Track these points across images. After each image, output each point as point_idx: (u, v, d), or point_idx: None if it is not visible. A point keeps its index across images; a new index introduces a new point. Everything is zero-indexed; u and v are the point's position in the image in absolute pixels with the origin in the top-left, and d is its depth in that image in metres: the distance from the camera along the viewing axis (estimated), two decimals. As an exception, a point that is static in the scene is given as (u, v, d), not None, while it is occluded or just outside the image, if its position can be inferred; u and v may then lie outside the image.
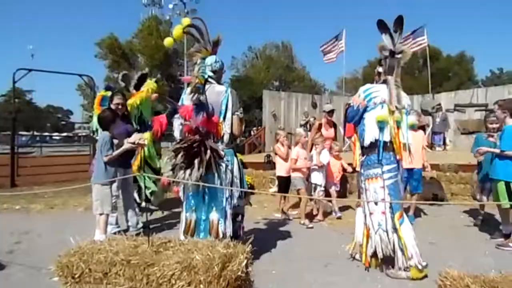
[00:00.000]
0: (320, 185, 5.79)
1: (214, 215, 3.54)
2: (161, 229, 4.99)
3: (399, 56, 3.57)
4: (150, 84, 5.89)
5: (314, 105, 15.56)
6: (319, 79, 48.59)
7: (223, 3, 73.18)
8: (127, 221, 4.88)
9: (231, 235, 3.45)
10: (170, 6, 32.39)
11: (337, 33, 17.74)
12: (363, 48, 73.28)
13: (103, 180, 4.16)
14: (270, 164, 8.59)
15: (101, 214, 4.22)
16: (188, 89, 3.59)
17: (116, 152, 4.25)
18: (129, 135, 4.52)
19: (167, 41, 4.43)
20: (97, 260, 2.34)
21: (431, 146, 12.75)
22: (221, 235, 3.41)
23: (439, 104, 14.18)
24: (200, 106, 3.51)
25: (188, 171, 3.39)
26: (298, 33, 75.53)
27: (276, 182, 7.79)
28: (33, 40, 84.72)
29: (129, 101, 5.35)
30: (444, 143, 13.11)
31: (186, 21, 3.93)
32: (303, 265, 3.75)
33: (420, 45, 16.76)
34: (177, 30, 3.90)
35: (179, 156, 3.42)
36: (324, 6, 77.22)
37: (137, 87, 5.81)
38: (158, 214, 6.09)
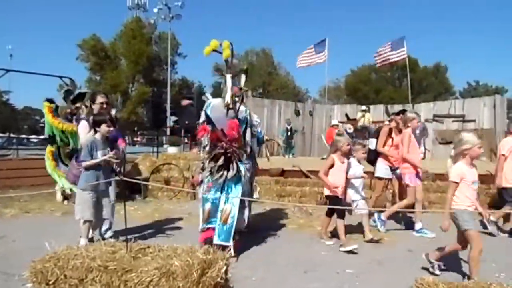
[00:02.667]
0: (361, 199, 5.01)
1: (228, 206, 4.27)
2: (141, 235, 4.91)
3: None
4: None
5: (297, 113, 15.71)
6: (302, 87, 49.03)
7: (207, 9, 73.48)
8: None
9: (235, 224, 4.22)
10: (155, 10, 32.19)
11: (319, 40, 17.96)
12: (346, 58, 74.73)
13: (83, 184, 4.09)
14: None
15: (84, 222, 4.11)
16: (222, 104, 4.37)
17: (90, 162, 4.09)
18: (115, 140, 4.51)
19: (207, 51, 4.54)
20: (73, 266, 2.30)
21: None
22: (229, 221, 4.19)
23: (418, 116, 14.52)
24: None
25: (225, 172, 4.25)
26: (281, 41, 76.43)
27: (258, 189, 7.83)
28: (12, 40, 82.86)
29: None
30: (423, 152, 13.38)
31: (225, 44, 4.41)
32: (283, 271, 3.76)
33: (400, 56, 17.18)
34: (226, 52, 4.41)
35: (221, 159, 4.23)
36: (307, 15, 78.38)
37: (74, 102, 6.75)
38: (141, 221, 6.00)
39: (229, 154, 4.26)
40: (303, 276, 3.66)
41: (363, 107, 14.68)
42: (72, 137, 6.25)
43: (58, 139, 6.59)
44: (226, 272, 2.47)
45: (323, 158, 12.82)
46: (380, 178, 5.75)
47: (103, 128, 4.21)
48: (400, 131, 5.62)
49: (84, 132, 4.51)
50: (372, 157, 5.74)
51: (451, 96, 40.33)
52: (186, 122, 11.04)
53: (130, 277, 2.24)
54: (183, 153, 9.91)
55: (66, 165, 7.33)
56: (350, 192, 4.94)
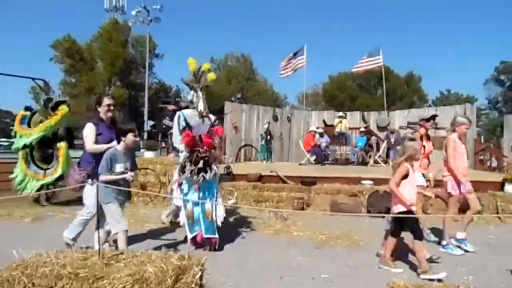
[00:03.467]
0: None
1: (208, 204, 4.71)
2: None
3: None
4: (64, 109, 7.53)
5: (276, 118, 15.79)
6: (280, 93, 49.42)
7: (186, 13, 73.21)
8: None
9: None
10: (133, 12, 31.76)
11: (298, 48, 18.15)
12: (324, 64, 75.85)
13: (104, 197, 3.79)
14: (229, 176, 8.57)
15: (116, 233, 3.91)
16: (194, 114, 5.01)
17: (108, 178, 3.82)
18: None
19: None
20: (42, 273, 2.23)
21: (385, 161, 13.29)
22: (213, 217, 4.70)
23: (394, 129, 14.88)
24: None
25: (205, 173, 4.67)
26: (259, 46, 76.92)
27: (236, 194, 7.82)
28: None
29: (46, 122, 7.26)
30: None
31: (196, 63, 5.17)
32: (259, 277, 3.76)
33: (375, 64, 17.58)
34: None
35: (200, 162, 4.63)
36: (286, 22, 79.27)
37: (53, 109, 7.46)
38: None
39: (207, 158, 4.71)
40: (279, 281, 3.66)
41: (340, 114, 14.89)
42: (60, 126, 7.22)
43: (22, 144, 7.25)
44: (201, 278, 2.45)
45: (300, 164, 12.94)
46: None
47: (130, 138, 3.92)
48: (428, 137, 5.36)
49: (91, 134, 4.24)
50: None
51: (425, 104, 41.55)
52: (164, 126, 10.90)
53: (102, 284, 2.19)
54: (160, 157, 9.77)
55: (40, 168, 7.44)
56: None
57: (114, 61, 35.33)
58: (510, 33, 66.00)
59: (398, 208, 3.99)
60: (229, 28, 78.66)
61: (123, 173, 3.91)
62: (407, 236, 5.15)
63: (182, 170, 4.73)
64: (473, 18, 71.60)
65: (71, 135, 7.87)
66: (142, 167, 8.83)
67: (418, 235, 3.91)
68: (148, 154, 9.68)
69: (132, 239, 5.01)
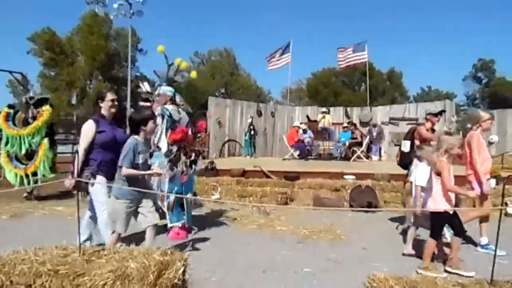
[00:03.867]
0: None
1: (190, 195, 4.88)
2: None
3: None
4: (48, 110, 7.41)
5: (259, 113, 15.81)
6: (264, 88, 49.45)
7: (169, 6, 72.28)
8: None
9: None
10: (115, 5, 31.05)
11: (283, 44, 18.16)
12: (308, 60, 76.16)
13: (119, 192, 3.54)
14: (213, 171, 8.55)
15: (112, 232, 3.63)
16: (175, 109, 4.90)
17: (132, 173, 3.54)
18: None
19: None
20: (20, 271, 2.18)
21: (367, 156, 13.49)
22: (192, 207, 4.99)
23: (376, 120, 15.12)
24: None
25: (192, 166, 4.91)
26: (243, 41, 76.65)
27: (220, 189, 7.81)
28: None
29: (34, 124, 7.17)
30: (380, 154, 13.90)
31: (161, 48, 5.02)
32: (242, 271, 3.77)
33: (360, 60, 17.73)
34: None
35: (193, 155, 4.89)
36: (270, 17, 79.16)
37: (36, 107, 7.43)
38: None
39: (195, 151, 5.00)
40: (262, 276, 3.69)
41: (323, 109, 15.00)
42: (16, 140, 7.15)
43: (5, 140, 7.22)
44: (183, 273, 2.44)
45: (284, 159, 13.00)
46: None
47: (150, 125, 3.62)
48: (433, 132, 5.08)
49: (90, 131, 3.93)
50: (407, 160, 5.09)
51: (406, 100, 42.26)
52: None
53: (83, 280, 2.16)
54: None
55: (21, 163, 7.33)
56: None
57: (95, 55, 34.64)
58: (487, 32, 67.65)
59: (438, 205, 3.70)
60: (212, 23, 78.00)
61: (143, 164, 3.62)
62: (389, 229, 5.25)
63: (174, 164, 4.67)
64: (452, 16, 72.96)
65: (52, 131, 7.70)
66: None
67: (461, 233, 3.79)
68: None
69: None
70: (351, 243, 4.86)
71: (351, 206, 7.08)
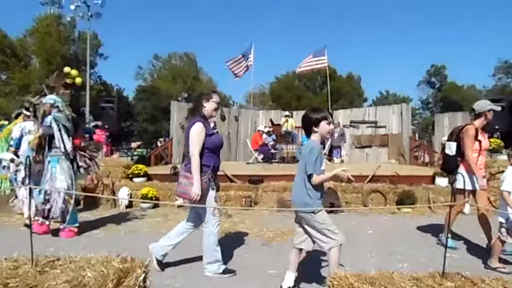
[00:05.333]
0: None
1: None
2: (54, 248, 4.53)
3: None
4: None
5: (223, 118, 15.76)
6: (228, 92, 49.52)
7: (129, 9, 70.78)
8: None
9: None
10: (72, 7, 29.98)
11: (245, 48, 18.22)
12: (271, 64, 76.99)
13: (319, 204, 3.13)
14: (176, 176, 8.40)
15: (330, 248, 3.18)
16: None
17: (325, 177, 3.17)
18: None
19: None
20: (-34, 285, 2.04)
21: (329, 159, 13.79)
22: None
23: (337, 123, 15.51)
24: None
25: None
26: (205, 45, 76.43)
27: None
28: None
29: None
30: (341, 156, 14.26)
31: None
32: (205, 277, 3.73)
33: (321, 64, 18.14)
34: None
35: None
36: (233, 21, 79.44)
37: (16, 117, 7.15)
38: (53, 233, 5.53)
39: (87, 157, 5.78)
40: (226, 280, 3.67)
41: (287, 113, 15.20)
42: None
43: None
44: (144, 280, 2.38)
45: (248, 163, 13.03)
46: (473, 191, 4.47)
47: (325, 127, 3.16)
48: (483, 132, 4.66)
49: (202, 134, 3.58)
50: (453, 165, 4.63)
51: (365, 103, 43.74)
52: (106, 126, 10.46)
53: (36, 293, 2.05)
54: (102, 158, 9.35)
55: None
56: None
57: (51, 58, 33.17)
58: (439, 39, 71.41)
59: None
60: (173, 26, 77.18)
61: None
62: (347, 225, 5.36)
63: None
64: (408, 23, 76.39)
65: None
66: (83, 169, 8.42)
67: None
68: (89, 156, 9.23)
69: (71, 245, 4.77)
70: (315, 244, 4.92)
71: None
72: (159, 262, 3.88)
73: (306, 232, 3.24)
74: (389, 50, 76.53)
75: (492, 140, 8.30)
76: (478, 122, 4.55)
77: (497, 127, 8.56)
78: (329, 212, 6.86)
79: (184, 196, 3.66)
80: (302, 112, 16.24)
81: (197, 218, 3.89)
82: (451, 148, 4.59)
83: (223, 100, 43.66)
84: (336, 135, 14.21)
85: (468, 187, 4.41)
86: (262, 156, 13.16)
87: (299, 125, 15.08)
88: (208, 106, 3.71)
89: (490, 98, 9.76)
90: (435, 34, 72.66)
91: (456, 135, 4.64)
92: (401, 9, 75.05)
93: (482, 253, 4.50)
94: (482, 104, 4.63)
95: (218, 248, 3.74)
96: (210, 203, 3.64)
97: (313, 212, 3.10)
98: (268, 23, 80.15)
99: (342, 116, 16.20)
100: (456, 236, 5.14)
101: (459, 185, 4.39)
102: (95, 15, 29.55)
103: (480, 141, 4.46)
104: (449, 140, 4.77)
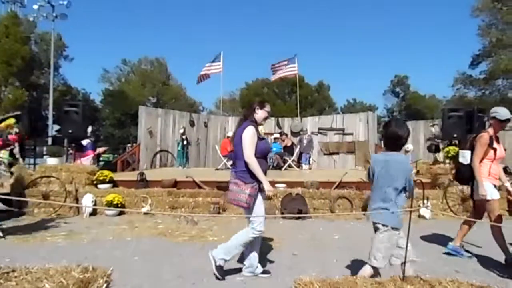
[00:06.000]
0: None
1: None
2: (10, 259, 4.31)
3: None
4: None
5: (192, 123, 15.64)
6: (198, 98, 49.22)
7: (95, 11, 69.17)
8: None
9: None
10: (35, 6, 28.90)
11: (215, 55, 18.21)
12: (241, 71, 77.27)
13: (396, 221, 2.94)
14: (143, 183, 8.25)
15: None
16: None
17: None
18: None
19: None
20: None
21: (298, 165, 13.96)
22: None
23: (306, 130, 15.75)
24: None
25: None
26: (174, 51, 75.77)
27: (150, 201, 7.55)
28: None
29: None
30: (309, 163, 14.47)
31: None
32: (172, 285, 3.67)
33: (291, 72, 18.41)
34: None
35: None
36: (202, 28, 79.33)
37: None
38: (11, 243, 5.27)
39: None
40: (192, 287, 3.62)
41: (256, 120, 15.25)
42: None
43: None
44: (106, 290, 2.31)
45: (217, 169, 12.96)
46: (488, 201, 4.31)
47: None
48: (498, 140, 4.43)
49: (253, 139, 3.64)
50: (467, 173, 4.44)
51: (333, 111, 44.65)
52: (70, 131, 10.10)
53: (-12, 307, 1.95)
54: (65, 164, 9.02)
55: None
56: None
57: (10, 59, 31.75)
58: (402, 50, 74.11)
59: None
60: (143, 31, 76.05)
61: None
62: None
63: None
64: (375, 33, 78.93)
65: None
66: (45, 175, 8.10)
67: None
68: (51, 161, 8.89)
69: (29, 255, 4.56)
70: (282, 250, 4.97)
71: (282, 213, 7.26)
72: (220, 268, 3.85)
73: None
74: (357, 60, 78.77)
75: (451, 147, 8.69)
76: (492, 129, 4.39)
77: (455, 135, 8.96)
78: (296, 218, 7.01)
79: (236, 203, 3.70)
80: (271, 119, 16.38)
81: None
82: (465, 157, 4.44)
83: (192, 105, 43.39)
84: (304, 142, 14.43)
85: (488, 196, 4.24)
86: (231, 162, 13.11)
87: (269, 132, 15.23)
88: (260, 114, 3.87)
89: (450, 108, 10.27)
90: (399, 44, 75.47)
91: (470, 143, 4.48)
92: (367, 18, 77.54)
93: (442, 257, 4.69)
94: (505, 112, 4.35)
95: (242, 249, 3.82)
96: (259, 206, 3.69)
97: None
98: (239, 30, 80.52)
99: (310, 123, 16.46)
100: (417, 240, 5.33)
101: (477, 196, 4.29)
102: (60, 16, 28.62)
103: (495, 149, 4.31)
104: (463, 148, 4.64)
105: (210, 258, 3.82)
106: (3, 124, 8.39)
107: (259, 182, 3.66)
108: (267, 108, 3.91)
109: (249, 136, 3.64)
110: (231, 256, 3.83)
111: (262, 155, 3.73)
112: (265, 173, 3.75)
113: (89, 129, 11.70)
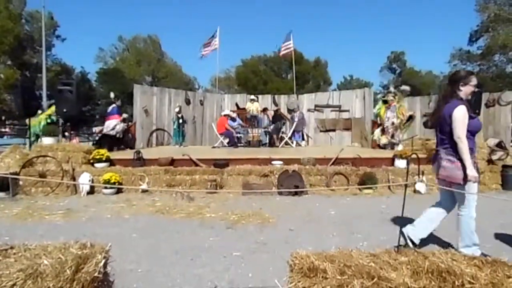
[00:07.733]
0: None
1: None
2: (9, 237, 4.34)
3: None
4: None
5: (188, 102, 15.54)
6: (193, 76, 48.68)
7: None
8: None
9: None
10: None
11: (212, 32, 17.97)
12: (237, 48, 76.20)
13: None
14: (140, 161, 8.25)
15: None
16: None
17: None
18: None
19: None
20: None
21: (292, 142, 13.98)
22: None
23: (297, 107, 15.67)
24: None
25: None
26: (170, 28, 74.43)
27: (147, 179, 7.57)
28: None
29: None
30: (303, 139, 14.48)
31: None
32: (170, 261, 3.72)
33: (288, 49, 18.19)
34: None
35: None
36: (197, 5, 77.67)
37: None
38: (10, 221, 5.30)
39: None
40: (190, 263, 3.67)
41: (252, 97, 15.19)
42: None
43: None
44: (105, 265, 2.33)
45: (213, 147, 12.97)
46: None
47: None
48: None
49: (465, 119, 3.50)
50: None
51: (330, 88, 44.42)
52: (65, 110, 10.03)
53: (-13, 283, 1.97)
54: (61, 143, 8.97)
55: None
56: None
57: (2, 37, 31.11)
58: (399, 27, 73.16)
59: None
60: (137, 8, 74.39)
61: None
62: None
63: None
64: (372, 9, 77.65)
65: None
66: (41, 155, 8.07)
67: None
68: (47, 140, 8.85)
69: (28, 233, 4.60)
70: (279, 226, 5.03)
71: (279, 189, 7.31)
72: (415, 245, 3.87)
73: None
74: (354, 36, 77.74)
75: None
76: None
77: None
78: (293, 194, 7.06)
79: (450, 180, 3.59)
80: (268, 96, 16.40)
81: (450, 202, 3.82)
82: None
83: (188, 83, 42.94)
84: (296, 119, 14.37)
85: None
86: (227, 140, 13.13)
87: (264, 109, 15.17)
88: (465, 90, 3.62)
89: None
90: (396, 20, 74.43)
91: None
92: (365, -6, 76.07)
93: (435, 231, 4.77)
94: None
95: (475, 232, 3.66)
96: (474, 187, 3.56)
97: None
98: (235, 6, 78.88)
99: (306, 100, 16.39)
100: (413, 215, 5.40)
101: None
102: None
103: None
104: None
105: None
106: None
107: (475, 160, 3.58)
108: (473, 81, 3.63)
109: (460, 115, 3.51)
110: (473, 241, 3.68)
111: (473, 133, 3.62)
112: (475, 152, 3.64)
113: (112, 94, 12.11)
